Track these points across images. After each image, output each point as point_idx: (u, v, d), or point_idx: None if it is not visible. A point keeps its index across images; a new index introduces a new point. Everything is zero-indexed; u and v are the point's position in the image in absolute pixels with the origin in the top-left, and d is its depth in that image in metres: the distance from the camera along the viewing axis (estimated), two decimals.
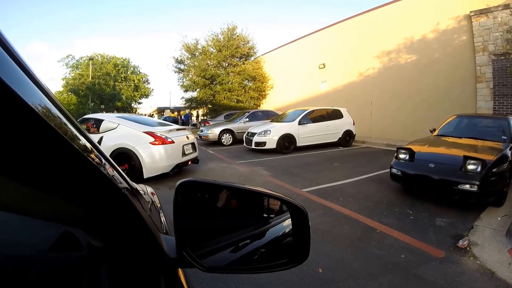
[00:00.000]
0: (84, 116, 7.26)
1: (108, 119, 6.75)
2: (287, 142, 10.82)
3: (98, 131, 6.64)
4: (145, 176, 6.17)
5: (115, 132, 6.46)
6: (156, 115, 41.11)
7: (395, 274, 2.95)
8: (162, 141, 6.36)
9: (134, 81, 39.16)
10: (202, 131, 14.30)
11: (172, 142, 6.50)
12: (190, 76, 25.26)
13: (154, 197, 1.61)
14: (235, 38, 24.26)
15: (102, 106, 32.57)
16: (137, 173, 6.12)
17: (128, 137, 6.33)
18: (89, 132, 6.53)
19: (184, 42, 25.02)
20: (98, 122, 6.80)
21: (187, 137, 7.17)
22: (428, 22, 12.79)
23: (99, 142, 6.08)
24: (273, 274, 2.68)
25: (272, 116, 14.37)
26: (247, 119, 14.03)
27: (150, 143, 6.27)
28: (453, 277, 2.86)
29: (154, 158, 6.26)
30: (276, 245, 0.84)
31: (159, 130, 6.62)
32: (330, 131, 11.80)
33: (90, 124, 6.91)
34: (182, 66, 26.05)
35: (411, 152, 5.22)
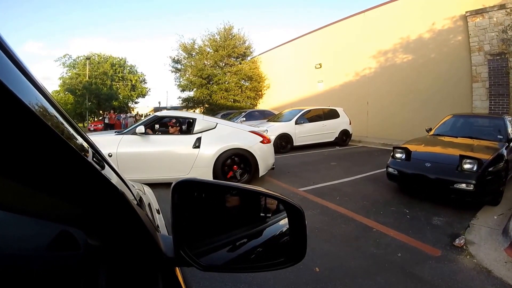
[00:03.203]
0: (158, 114, 6.64)
1: (202, 118, 6.28)
2: (284, 142, 10.82)
3: (180, 131, 6.38)
4: (260, 175, 6.24)
5: (216, 132, 6.06)
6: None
7: (391, 273, 2.95)
8: (267, 140, 6.42)
9: (131, 80, 39.08)
10: None
11: (270, 141, 6.55)
12: (187, 75, 25.30)
13: (151, 196, 1.61)
14: (231, 38, 24.29)
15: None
16: (252, 173, 6.11)
17: (239, 137, 6.15)
18: (168, 133, 6.38)
19: (181, 42, 25.08)
20: (188, 122, 6.37)
21: None
22: (424, 22, 12.83)
23: (198, 143, 5.81)
24: (270, 273, 2.69)
25: (269, 116, 14.39)
26: (244, 119, 13.99)
27: (260, 142, 6.26)
28: (449, 275, 2.87)
29: (266, 156, 6.29)
30: (273, 244, 0.84)
31: (258, 130, 6.69)
32: (327, 130, 11.82)
33: (171, 123, 6.55)
34: (179, 66, 26.06)
35: (407, 152, 5.23)
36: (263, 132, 6.56)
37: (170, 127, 6.49)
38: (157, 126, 6.95)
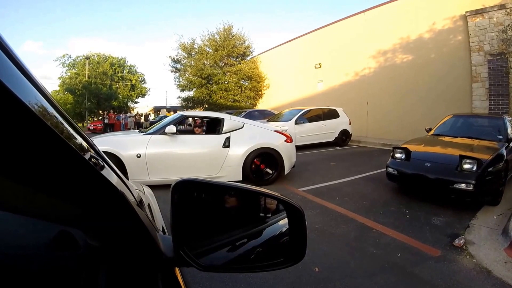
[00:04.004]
0: (184, 113, 6.61)
1: (230, 118, 6.37)
2: None
3: (205, 131, 6.37)
4: (285, 173, 6.38)
5: (244, 131, 6.14)
6: (152, 115, 40.99)
7: (391, 273, 2.96)
8: (290, 139, 6.52)
9: (130, 80, 39.08)
10: None
11: (292, 140, 6.64)
12: (187, 75, 25.32)
13: (151, 196, 1.61)
14: (231, 38, 24.30)
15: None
16: (278, 171, 6.23)
17: (266, 137, 6.25)
18: (194, 133, 6.34)
19: (180, 42, 25.08)
20: (214, 121, 6.41)
21: None
22: (424, 22, 12.85)
23: (227, 143, 5.90)
24: (269, 273, 2.69)
25: (268, 116, 14.38)
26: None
27: (284, 141, 6.37)
28: (449, 275, 2.87)
29: (290, 155, 6.41)
30: (272, 244, 0.84)
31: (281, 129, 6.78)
32: (327, 130, 11.82)
33: (198, 122, 6.49)
34: (178, 66, 26.07)
35: (407, 152, 5.23)
36: (285, 131, 6.69)
37: (196, 127, 6.48)
38: (181, 126, 6.92)
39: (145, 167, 5.42)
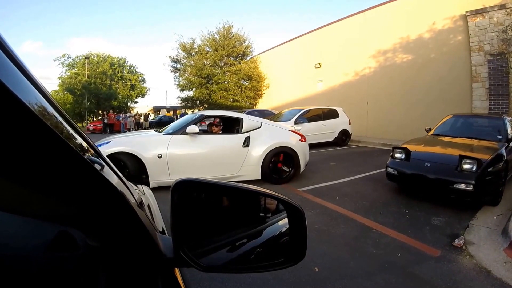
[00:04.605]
0: (204, 113, 6.55)
1: (248, 118, 6.44)
2: None
3: (222, 131, 6.35)
4: (301, 172, 6.52)
5: (262, 131, 6.21)
6: (152, 115, 40.99)
7: (391, 273, 2.95)
8: (304, 138, 6.69)
9: (130, 80, 39.05)
10: None
11: (306, 139, 6.78)
12: (186, 75, 25.33)
13: (151, 196, 1.61)
14: (231, 38, 24.29)
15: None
16: (295, 170, 6.39)
17: (283, 136, 6.38)
18: (211, 132, 6.29)
19: (180, 42, 25.07)
20: (232, 121, 6.43)
21: None
22: (424, 22, 12.86)
23: (247, 142, 5.96)
24: (269, 274, 2.69)
25: (268, 116, 14.33)
26: None
27: (299, 140, 6.50)
28: (449, 275, 2.87)
29: (305, 154, 6.58)
30: (272, 245, 0.84)
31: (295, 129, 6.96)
32: (326, 130, 11.82)
33: (216, 121, 6.48)
34: (178, 65, 26.06)
35: (407, 152, 5.23)
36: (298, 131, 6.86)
37: (214, 126, 6.48)
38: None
39: (166, 167, 5.40)
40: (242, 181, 5.81)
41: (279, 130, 6.51)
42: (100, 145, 5.28)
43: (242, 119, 6.18)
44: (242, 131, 6.06)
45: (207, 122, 7.10)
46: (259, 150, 5.99)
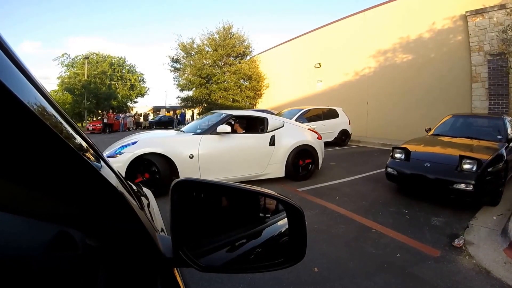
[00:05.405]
0: (232, 113, 6.45)
1: (271, 117, 6.61)
2: None
3: (247, 131, 6.38)
4: (318, 169, 6.89)
5: (285, 130, 6.40)
6: (151, 114, 40.96)
7: (390, 273, 2.95)
8: (320, 136, 7.09)
9: (130, 80, 39.02)
10: None
11: (321, 137, 7.15)
12: (186, 75, 25.30)
13: (150, 196, 1.61)
14: (231, 37, 24.27)
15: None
16: (315, 166, 6.76)
17: (304, 134, 6.66)
18: (235, 132, 6.24)
19: (180, 41, 25.02)
20: (256, 120, 6.50)
21: None
22: (424, 22, 12.87)
23: (272, 141, 6.10)
24: (269, 274, 2.68)
25: None
26: None
27: (316, 138, 6.86)
28: (448, 276, 2.87)
29: (322, 151, 6.99)
30: (272, 245, 0.84)
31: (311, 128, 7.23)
32: (326, 130, 11.79)
33: (238, 121, 6.54)
34: (178, 65, 26.03)
35: (406, 152, 5.23)
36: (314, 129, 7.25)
37: (238, 126, 6.51)
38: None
39: (197, 167, 5.37)
40: (267, 180, 6.16)
41: (299, 129, 6.79)
42: (126, 145, 5.12)
43: (267, 118, 6.33)
44: (267, 130, 6.20)
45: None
46: (284, 149, 6.19)
